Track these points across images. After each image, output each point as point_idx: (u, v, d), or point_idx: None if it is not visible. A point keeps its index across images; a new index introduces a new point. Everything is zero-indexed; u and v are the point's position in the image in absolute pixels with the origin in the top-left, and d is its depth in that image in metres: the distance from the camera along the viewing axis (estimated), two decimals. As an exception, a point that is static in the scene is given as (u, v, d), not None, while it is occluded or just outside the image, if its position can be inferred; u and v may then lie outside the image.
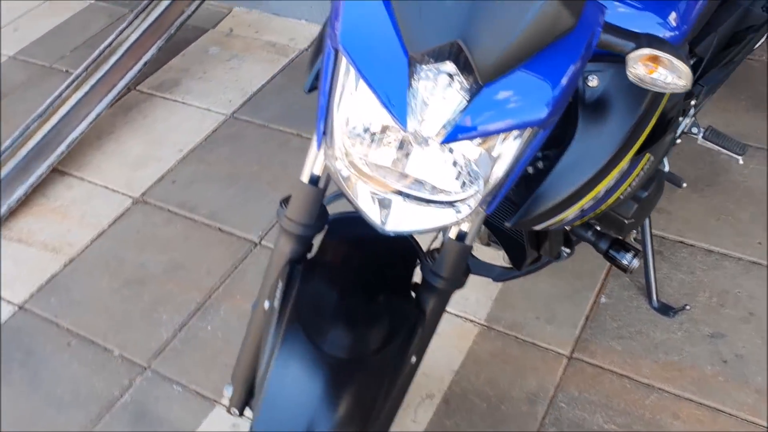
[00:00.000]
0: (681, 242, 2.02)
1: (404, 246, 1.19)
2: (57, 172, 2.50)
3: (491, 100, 0.87)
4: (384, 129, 0.92)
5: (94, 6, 3.40)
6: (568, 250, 1.41)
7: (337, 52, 0.92)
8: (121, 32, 2.75)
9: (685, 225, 2.05)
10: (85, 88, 2.60)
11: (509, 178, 0.95)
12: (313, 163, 1.13)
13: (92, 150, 2.58)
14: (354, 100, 0.92)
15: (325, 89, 0.95)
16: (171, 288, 2.08)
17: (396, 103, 0.87)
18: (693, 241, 2.02)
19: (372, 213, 0.98)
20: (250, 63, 2.89)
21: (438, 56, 0.85)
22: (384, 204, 0.95)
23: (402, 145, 0.92)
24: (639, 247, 1.42)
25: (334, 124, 0.94)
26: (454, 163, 0.92)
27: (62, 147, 2.47)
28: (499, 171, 0.93)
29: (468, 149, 0.91)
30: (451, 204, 0.95)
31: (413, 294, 1.21)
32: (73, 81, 2.62)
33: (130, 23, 2.78)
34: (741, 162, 1.73)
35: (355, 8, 0.89)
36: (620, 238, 1.41)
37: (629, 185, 1.20)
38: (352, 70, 0.91)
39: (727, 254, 1.97)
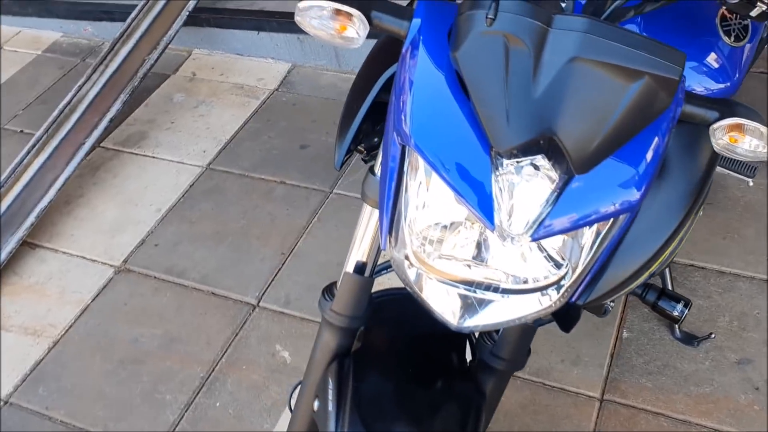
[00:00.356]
0: (692, 265, 1.99)
1: None
2: (27, 245, 2.33)
3: (581, 190, 0.80)
4: (459, 224, 0.85)
5: (42, 58, 3.21)
6: (612, 304, 1.35)
7: (403, 149, 0.84)
8: (81, 87, 2.59)
9: (693, 247, 2.02)
10: (48, 150, 2.44)
11: (595, 264, 0.88)
12: (358, 250, 1.06)
13: (62, 217, 2.42)
14: (426, 199, 0.84)
15: (388, 188, 0.86)
16: (170, 364, 1.95)
17: (481, 203, 0.79)
18: (704, 263, 1.99)
19: (446, 312, 0.89)
20: (220, 108, 2.76)
21: (526, 150, 0.78)
22: (465, 301, 0.87)
23: (479, 234, 0.85)
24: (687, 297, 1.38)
25: (404, 224, 0.86)
26: (539, 251, 0.85)
27: (31, 218, 2.30)
28: (586, 258, 0.86)
29: (554, 239, 0.84)
30: (534, 291, 0.88)
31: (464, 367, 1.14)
32: (34, 144, 2.46)
33: (89, 77, 2.62)
34: (751, 184, 1.72)
35: (425, 105, 0.81)
36: (667, 288, 1.35)
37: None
38: (422, 168, 0.82)
39: (740, 274, 1.95)
